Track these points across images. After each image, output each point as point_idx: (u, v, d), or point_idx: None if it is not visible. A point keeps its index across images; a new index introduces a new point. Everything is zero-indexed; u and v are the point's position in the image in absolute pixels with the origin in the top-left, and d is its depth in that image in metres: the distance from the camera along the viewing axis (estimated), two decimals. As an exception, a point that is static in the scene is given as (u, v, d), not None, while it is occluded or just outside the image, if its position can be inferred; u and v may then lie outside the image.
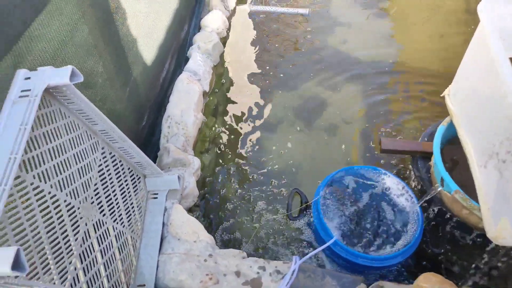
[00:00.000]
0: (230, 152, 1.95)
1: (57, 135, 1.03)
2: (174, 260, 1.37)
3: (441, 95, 1.41)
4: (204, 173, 1.84)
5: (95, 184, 1.20)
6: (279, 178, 1.84)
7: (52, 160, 1.01)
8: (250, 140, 2.01)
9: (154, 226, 1.47)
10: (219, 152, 1.95)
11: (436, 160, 1.34)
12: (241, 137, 2.02)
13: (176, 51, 2.11)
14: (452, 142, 1.52)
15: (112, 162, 1.30)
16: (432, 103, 2.11)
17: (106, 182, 1.26)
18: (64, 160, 1.06)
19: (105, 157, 1.27)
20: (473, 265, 1.44)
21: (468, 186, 1.29)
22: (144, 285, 1.33)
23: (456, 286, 1.23)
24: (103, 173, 1.25)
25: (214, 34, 2.27)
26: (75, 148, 1.11)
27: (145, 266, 1.37)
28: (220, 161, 1.92)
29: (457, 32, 2.50)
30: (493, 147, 1.08)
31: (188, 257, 1.38)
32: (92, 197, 1.17)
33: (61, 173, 1.03)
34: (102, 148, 1.26)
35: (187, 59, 2.15)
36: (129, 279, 1.32)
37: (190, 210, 1.66)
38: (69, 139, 1.08)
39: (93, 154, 1.20)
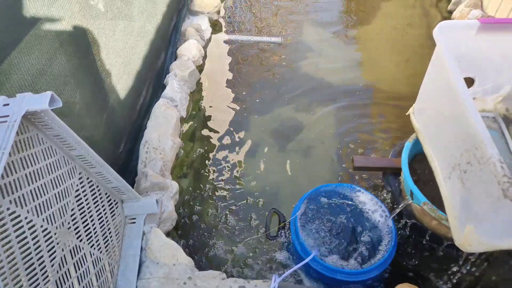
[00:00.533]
0: (208, 176, 1.97)
1: (34, 161, 1.04)
2: (153, 285, 1.36)
3: (406, 114, 1.50)
4: (182, 197, 1.84)
5: (72, 210, 1.19)
6: (258, 199, 1.87)
7: (29, 185, 1.01)
8: (227, 163, 2.04)
9: (132, 251, 1.45)
10: (197, 176, 1.97)
11: (405, 174, 1.41)
12: (218, 160, 2.05)
13: (153, 79, 2.15)
14: (419, 157, 1.60)
15: (90, 187, 1.31)
16: (401, 121, 2.22)
17: (83, 207, 1.26)
18: (41, 185, 1.06)
19: (82, 182, 1.27)
20: (446, 275, 1.49)
21: (437, 197, 1.35)
22: (123, 312, 1.31)
23: (431, 296, 1.27)
24: (80, 198, 1.25)
25: (190, 62, 2.34)
26: (52, 173, 1.11)
27: (123, 292, 1.35)
28: (198, 184, 1.93)
29: (421, 55, 2.66)
30: (455, 159, 1.15)
31: (167, 281, 1.37)
32: (69, 223, 1.17)
33: (38, 198, 1.03)
34: (79, 173, 1.26)
35: (164, 87, 2.20)
36: (107, 307, 1.29)
37: (168, 234, 1.65)
38: (47, 165, 1.09)
39: (70, 179, 1.20)
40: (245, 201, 1.86)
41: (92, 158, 1.24)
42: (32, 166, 1.03)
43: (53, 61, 1.23)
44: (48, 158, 1.10)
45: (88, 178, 1.30)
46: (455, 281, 1.45)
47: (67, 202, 1.17)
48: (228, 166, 2.02)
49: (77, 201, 1.23)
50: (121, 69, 1.74)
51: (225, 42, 2.88)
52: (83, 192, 1.26)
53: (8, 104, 0.95)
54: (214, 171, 2.00)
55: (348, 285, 1.48)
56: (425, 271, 1.55)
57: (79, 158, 1.23)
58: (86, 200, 1.28)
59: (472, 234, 1.09)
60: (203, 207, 1.84)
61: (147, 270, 1.41)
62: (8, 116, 0.93)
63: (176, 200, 1.75)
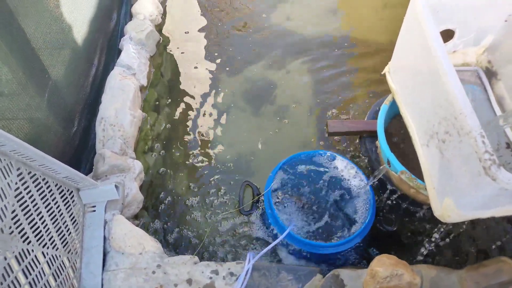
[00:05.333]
0: (176, 148, 1.84)
1: (-50, 166, 0.89)
2: (120, 276, 1.28)
3: (382, 73, 1.36)
4: (149, 174, 1.73)
5: (13, 212, 1.06)
6: (231, 170, 1.76)
7: None
8: (197, 132, 1.90)
9: (95, 242, 1.36)
10: (165, 149, 1.83)
11: (381, 141, 1.31)
12: (187, 130, 1.91)
13: (105, 43, 1.93)
14: (398, 118, 1.49)
15: (33, 182, 1.16)
16: (380, 77, 2.08)
17: (28, 206, 1.12)
18: (-35, 192, 0.92)
19: (22, 178, 1.13)
20: (426, 239, 1.45)
21: (415, 162, 1.26)
22: (89, 307, 1.24)
23: (410, 265, 1.23)
24: (23, 197, 1.11)
25: (147, 21, 2.10)
26: (-21, 175, 0.97)
27: (88, 287, 1.27)
28: (166, 158, 1.81)
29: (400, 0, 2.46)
30: (433, 126, 1.04)
31: (134, 271, 1.29)
32: (10, 227, 1.04)
33: (-39, 209, 0.90)
34: (18, 169, 1.11)
35: (119, 52, 1.98)
36: (71, 304, 1.22)
37: (136, 217, 1.55)
38: (-31, 167, 0.94)
39: (6, 178, 1.06)
40: (217, 173, 1.75)
41: (29, 151, 1.09)
42: None
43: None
44: (-29, 160, 0.95)
45: (30, 173, 1.16)
46: (434, 246, 1.41)
47: (4, 205, 1.03)
48: (197, 136, 1.89)
49: (18, 201, 1.09)
50: (62, 37, 1.52)
51: (187, -6, 2.60)
52: (25, 189, 1.12)
53: None
54: (183, 142, 1.86)
55: (328, 257, 1.43)
56: (405, 237, 1.51)
57: (14, 153, 1.08)
58: (30, 197, 1.14)
59: (451, 207, 1.01)
60: (174, 183, 1.73)
61: (113, 261, 1.32)
62: None
63: (142, 179, 1.63)
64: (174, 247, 1.55)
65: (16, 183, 1.10)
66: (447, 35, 1.26)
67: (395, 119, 1.52)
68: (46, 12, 1.38)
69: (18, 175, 1.11)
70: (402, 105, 1.25)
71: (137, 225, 1.45)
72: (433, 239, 1.40)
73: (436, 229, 1.39)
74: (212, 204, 1.66)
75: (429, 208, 1.39)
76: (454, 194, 0.99)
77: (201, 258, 1.42)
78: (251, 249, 1.50)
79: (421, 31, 1.02)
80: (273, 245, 1.38)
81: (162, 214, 1.63)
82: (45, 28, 1.38)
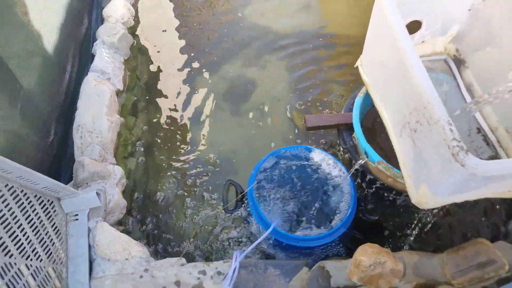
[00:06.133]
0: (157, 151, 1.83)
1: None
2: (107, 283, 1.28)
3: (355, 66, 1.39)
4: (131, 179, 1.71)
5: (-8, 226, 1.05)
6: (214, 170, 1.77)
7: None
8: (178, 133, 1.90)
9: (80, 250, 1.35)
10: (145, 153, 1.82)
11: (357, 133, 1.34)
12: (166, 132, 1.90)
13: (77, 49, 1.90)
14: (373, 110, 1.52)
15: (11, 194, 1.15)
16: (355, 70, 2.11)
17: (7, 219, 1.11)
18: None
19: (-1, 191, 1.11)
20: (408, 226, 1.49)
21: (391, 152, 1.30)
22: (77, 317, 1.23)
23: (392, 253, 1.26)
24: (1, 210, 1.10)
25: (119, 24, 2.07)
26: (-47, 192, 0.95)
27: (75, 296, 1.27)
28: (147, 162, 1.80)
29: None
30: (405, 117, 1.07)
31: (121, 277, 1.29)
32: (-11, 242, 1.03)
33: None
34: (-6, 183, 1.10)
35: (93, 57, 1.95)
36: (59, 315, 1.21)
37: (120, 223, 1.55)
38: None
39: (-19, 192, 1.04)
40: (200, 174, 1.76)
41: (5, 164, 1.07)
42: None
43: None
44: None
45: (6, 185, 1.14)
46: (416, 233, 1.45)
47: (-18, 220, 1.02)
48: (178, 137, 1.89)
49: (-4, 215, 1.07)
50: (31, 45, 1.49)
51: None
52: (2, 202, 1.11)
53: None
54: (163, 144, 1.86)
55: (313, 250, 1.46)
56: (387, 225, 1.55)
57: (-11, 166, 1.06)
58: (9, 210, 1.12)
59: (426, 194, 1.05)
60: (156, 186, 1.72)
61: (99, 268, 1.32)
62: None
63: (124, 184, 1.62)
64: (161, 250, 1.55)
65: (-7, 197, 1.08)
66: (415, 26, 1.30)
67: (370, 111, 1.56)
68: (11, 21, 1.35)
69: (-5, 189, 1.09)
70: (375, 96, 1.28)
71: (121, 231, 1.45)
72: (413, 226, 1.44)
73: (415, 216, 1.44)
74: (196, 205, 1.66)
75: (407, 196, 1.44)
76: (429, 181, 1.02)
77: (188, 259, 1.42)
78: (236, 247, 1.52)
79: (387, 25, 1.05)
80: (258, 242, 1.40)
81: (147, 217, 1.63)
82: (12, 37, 1.35)
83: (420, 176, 1.06)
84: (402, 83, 1.02)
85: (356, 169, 1.48)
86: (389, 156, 1.36)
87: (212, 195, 1.69)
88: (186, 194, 1.70)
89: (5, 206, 1.12)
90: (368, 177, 1.49)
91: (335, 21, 2.39)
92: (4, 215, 1.11)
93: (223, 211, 1.60)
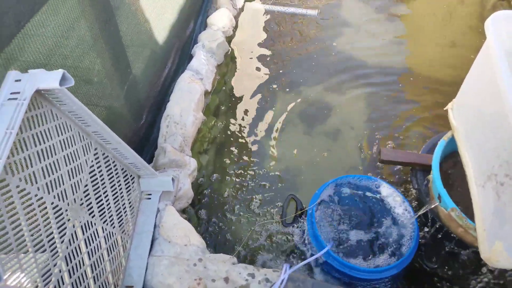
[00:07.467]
0: (228, 153, 1.93)
1: (47, 137, 1.03)
2: (164, 263, 1.37)
3: (444, 109, 1.36)
4: (201, 174, 1.83)
5: (86, 186, 1.19)
6: (277, 182, 1.83)
7: (40, 162, 1.00)
8: (250, 142, 1.99)
9: (146, 227, 1.46)
10: (217, 153, 1.93)
11: (435, 175, 1.31)
12: (241, 138, 2.00)
13: (179, 48, 2.09)
14: (453, 156, 1.48)
15: (105, 163, 1.30)
16: (438, 113, 2.06)
17: (98, 183, 1.25)
18: (54, 162, 1.05)
19: (97, 158, 1.26)
20: (467, 282, 1.41)
21: (466, 201, 1.25)
22: (132, 286, 1.33)
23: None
24: (95, 174, 1.24)
25: (220, 32, 2.25)
26: (66, 149, 1.10)
27: (134, 268, 1.37)
28: (218, 161, 1.90)
29: (469, 40, 2.43)
30: (492, 168, 1.04)
31: (177, 261, 1.37)
32: (81, 199, 1.17)
33: (49, 175, 1.03)
34: (95, 149, 1.25)
35: (191, 57, 2.14)
36: (118, 280, 1.32)
37: (184, 212, 1.65)
38: (60, 141, 1.08)
39: (85, 155, 1.19)
40: (264, 182, 1.82)
41: (108, 134, 1.22)
42: (44, 142, 1.01)
43: (71, 31, 1.19)
44: (62, 134, 1.09)
45: (104, 154, 1.29)
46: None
47: (80, 179, 1.16)
48: (250, 145, 1.97)
49: (91, 177, 1.22)
50: (146, 38, 1.68)
51: (258, 12, 2.74)
52: (97, 168, 1.26)
53: (20, 80, 0.92)
54: (235, 148, 1.96)
55: (361, 282, 1.43)
56: (445, 276, 1.47)
57: (95, 134, 1.22)
58: (100, 176, 1.27)
59: (501, 252, 1.00)
60: (221, 186, 1.81)
61: (159, 248, 1.42)
62: (19, 93, 0.90)
63: (194, 177, 1.73)
64: (213, 245, 1.62)
65: (92, 161, 1.23)
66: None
67: (449, 157, 1.51)
68: (138, 14, 1.55)
69: (94, 154, 1.25)
70: (461, 143, 1.25)
71: (184, 219, 1.54)
72: (475, 284, 1.36)
73: (479, 273, 1.35)
74: (255, 211, 1.72)
75: (475, 251, 1.36)
76: (507, 238, 0.97)
77: (238, 260, 1.47)
78: (286, 260, 1.54)
79: (492, 74, 1.03)
80: (310, 260, 1.41)
81: (206, 214, 1.72)
82: (135, 28, 1.54)
83: (498, 231, 1.01)
84: (497, 133, 0.99)
85: (423, 213, 1.44)
86: (463, 205, 1.30)
87: (271, 206, 1.73)
88: (246, 198, 1.76)
89: (99, 172, 1.26)
90: (435, 223, 1.44)
91: (424, 63, 2.35)
92: (96, 179, 1.25)
93: (280, 222, 1.63)
